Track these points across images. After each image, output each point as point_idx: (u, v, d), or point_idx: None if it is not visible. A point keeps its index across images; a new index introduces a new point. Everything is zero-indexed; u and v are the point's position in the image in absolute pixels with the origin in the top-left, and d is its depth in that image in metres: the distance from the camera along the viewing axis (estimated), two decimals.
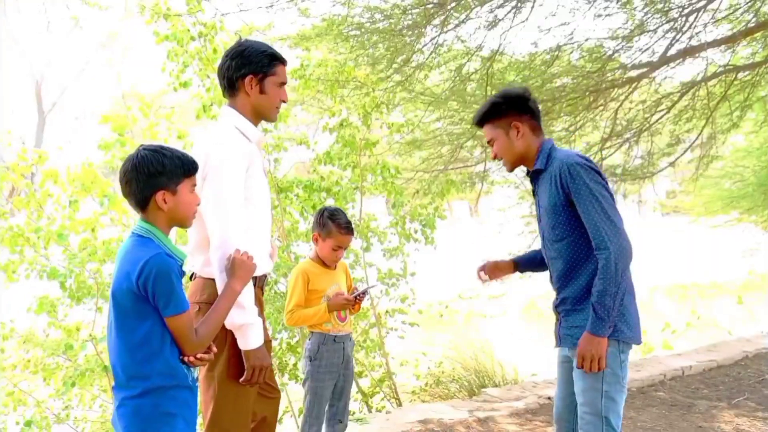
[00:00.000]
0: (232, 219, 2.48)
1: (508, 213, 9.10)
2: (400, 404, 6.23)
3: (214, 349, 2.32)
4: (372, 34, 6.50)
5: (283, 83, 2.74)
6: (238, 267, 2.36)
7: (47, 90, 39.97)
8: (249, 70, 2.64)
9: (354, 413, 5.32)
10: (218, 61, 5.36)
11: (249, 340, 2.53)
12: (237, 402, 2.60)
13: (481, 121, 2.97)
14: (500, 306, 11.48)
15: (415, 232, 6.38)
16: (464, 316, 13.08)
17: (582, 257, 2.77)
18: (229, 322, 2.47)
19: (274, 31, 7.11)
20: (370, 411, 5.95)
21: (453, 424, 4.88)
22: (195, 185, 2.27)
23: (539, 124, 2.92)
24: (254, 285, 2.60)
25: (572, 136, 7.56)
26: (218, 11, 5.55)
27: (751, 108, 8.24)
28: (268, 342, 2.71)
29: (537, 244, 7.93)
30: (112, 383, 2.24)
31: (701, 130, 7.58)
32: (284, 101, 2.77)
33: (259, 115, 2.73)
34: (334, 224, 3.50)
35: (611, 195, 2.74)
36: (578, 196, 2.69)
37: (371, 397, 6.28)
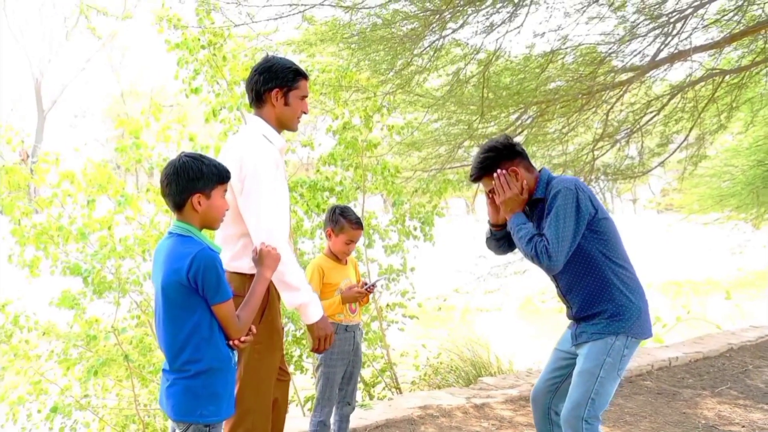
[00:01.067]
0: (274, 217, 2.78)
1: None
2: (400, 393, 6.52)
3: (254, 330, 2.59)
4: (373, 40, 6.76)
5: (305, 96, 3.03)
6: (265, 257, 2.64)
7: (47, 88, 40.17)
8: (275, 84, 2.94)
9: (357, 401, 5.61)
10: (226, 68, 5.67)
11: (310, 315, 2.87)
12: (260, 385, 2.88)
13: (478, 177, 3.27)
14: (496, 302, 11.75)
15: (415, 229, 6.66)
16: (461, 312, 13.38)
17: (585, 271, 3.09)
18: (290, 304, 2.82)
19: (279, 36, 7.40)
20: (371, 399, 6.23)
21: (451, 410, 5.18)
22: (226, 191, 2.53)
23: (530, 162, 3.23)
24: None
25: (565, 136, 7.85)
26: (227, 20, 5.82)
27: (738, 109, 8.53)
28: (279, 331, 3.01)
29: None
30: (152, 367, 2.52)
31: (689, 131, 7.87)
32: (305, 113, 3.06)
33: (282, 125, 3.02)
34: (345, 220, 3.79)
35: (592, 211, 3.05)
36: (549, 211, 3.03)
37: (373, 387, 6.58)
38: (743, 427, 5.26)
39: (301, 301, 2.84)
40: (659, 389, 6.05)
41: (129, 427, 5.75)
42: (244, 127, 3.10)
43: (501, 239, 3.40)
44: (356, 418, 4.80)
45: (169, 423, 2.52)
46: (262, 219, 2.77)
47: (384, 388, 6.66)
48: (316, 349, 2.95)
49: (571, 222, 2.98)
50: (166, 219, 5.65)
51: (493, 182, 3.18)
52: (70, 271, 5.14)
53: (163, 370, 2.48)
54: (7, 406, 5.21)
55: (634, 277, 3.15)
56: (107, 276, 5.25)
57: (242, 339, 2.50)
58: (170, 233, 2.48)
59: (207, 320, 2.40)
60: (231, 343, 2.48)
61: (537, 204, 3.16)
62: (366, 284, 3.86)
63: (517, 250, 3.34)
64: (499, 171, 3.14)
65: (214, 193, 2.46)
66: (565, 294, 3.20)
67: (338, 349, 3.75)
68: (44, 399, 5.42)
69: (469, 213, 38.49)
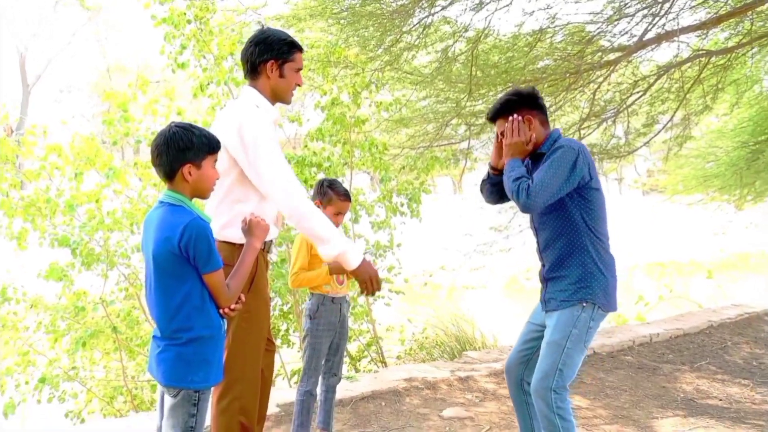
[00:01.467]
0: (286, 178, 2.82)
1: None
2: (386, 367, 6.61)
3: (243, 299, 2.64)
4: (362, 16, 6.77)
5: (300, 69, 3.05)
6: (254, 227, 2.69)
7: (32, 63, 39.72)
8: (271, 55, 2.96)
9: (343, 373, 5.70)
10: (213, 42, 5.66)
11: (350, 261, 2.91)
12: (247, 354, 2.93)
13: (495, 116, 3.33)
14: (482, 279, 11.86)
15: (402, 205, 6.71)
16: (447, 289, 13.50)
17: (563, 231, 3.17)
18: (327, 256, 2.88)
19: (268, 10, 7.39)
20: (357, 372, 6.32)
21: (436, 382, 5.27)
22: (216, 161, 2.56)
23: (547, 119, 3.30)
24: (263, 249, 2.94)
25: (552, 115, 7.90)
26: None
27: (724, 91, 8.61)
28: (267, 300, 3.06)
29: (517, 220, 8.27)
30: (151, 334, 2.55)
31: (675, 112, 7.94)
32: (299, 85, 3.09)
33: (276, 97, 3.04)
34: (333, 192, 3.83)
35: (587, 177, 3.11)
36: (548, 158, 3.11)
37: (359, 361, 6.66)
38: (720, 400, 5.38)
39: (338, 251, 2.87)
40: (640, 364, 6.16)
41: (116, 398, 5.80)
42: (238, 98, 3.11)
43: (495, 185, 3.45)
44: (342, 390, 4.87)
45: (158, 388, 2.57)
46: (276, 184, 2.81)
47: (370, 362, 6.74)
48: (368, 292, 2.99)
49: (561, 175, 3.04)
50: (154, 193, 5.67)
51: (506, 125, 3.24)
52: (59, 243, 5.16)
53: (154, 336, 2.52)
54: None
55: (609, 251, 3.23)
56: (95, 248, 5.27)
57: (232, 307, 2.54)
58: (161, 202, 2.50)
59: (198, 289, 2.44)
60: (221, 311, 2.53)
61: (539, 158, 3.22)
62: None
63: (507, 202, 3.47)
64: (515, 115, 3.20)
65: (204, 163, 2.48)
66: (542, 250, 3.28)
67: (324, 320, 3.80)
68: (32, 371, 5.46)
69: (455, 192, 38.61)
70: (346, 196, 3.85)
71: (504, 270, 15.02)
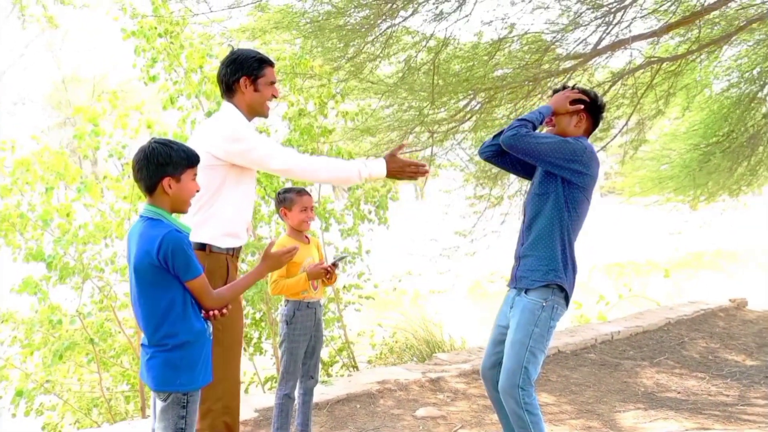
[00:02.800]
0: (296, 160, 3.07)
1: (453, 194, 9.69)
2: (358, 371, 6.73)
3: (229, 308, 2.73)
4: (325, 28, 6.91)
5: (273, 82, 3.21)
6: (270, 259, 2.81)
7: None
8: (242, 73, 3.12)
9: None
10: (182, 55, 5.76)
11: (375, 175, 3.14)
12: (226, 354, 3.00)
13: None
14: (447, 284, 12.05)
15: (369, 212, 6.85)
16: (412, 296, 13.66)
17: (549, 215, 3.35)
18: (358, 180, 3.17)
19: (233, 23, 7.47)
20: (330, 377, 6.43)
21: (408, 384, 5.42)
22: (196, 175, 2.67)
23: (592, 132, 3.53)
24: (232, 255, 3.07)
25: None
26: (183, 8, 5.89)
27: (675, 95, 8.94)
28: (240, 302, 3.19)
29: (481, 224, 8.42)
30: (141, 342, 2.65)
31: (629, 117, 8.23)
32: (275, 96, 3.25)
33: (253, 111, 3.20)
34: (291, 193, 4.01)
35: (582, 180, 3.32)
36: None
37: (331, 366, 6.78)
38: (679, 393, 5.64)
39: (364, 176, 3.11)
40: (602, 361, 6.40)
41: (92, 411, 5.83)
42: (218, 112, 3.25)
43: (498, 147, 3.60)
44: (318, 394, 5.00)
45: (152, 394, 2.67)
46: (291, 171, 3.08)
47: (342, 367, 6.86)
48: (419, 174, 3.19)
49: (554, 151, 3.26)
50: (126, 206, 5.72)
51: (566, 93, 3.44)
52: (33, 257, 5.19)
53: (142, 345, 2.63)
54: None
55: (573, 254, 3.44)
56: (69, 262, 5.31)
57: (217, 312, 2.66)
58: (141, 216, 2.62)
59: (180, 296, 2.55)
60: (206, 314, 2.65)
61: None
62: (333, 262, 4.05)
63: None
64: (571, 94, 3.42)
65: (183, 176, 2.60)
66: (526, 228, 3.47)
67: (301, 325, 3.94)
68: (5, 385, 5.47)
69: (417, 198, 38.86)
70: (303, 191, 4.04)
71: (468, 274, 15.25)
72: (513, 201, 9.17)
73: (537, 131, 3.41)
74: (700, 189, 11.04)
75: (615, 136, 8.67)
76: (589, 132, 3.49)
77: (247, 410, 4.63)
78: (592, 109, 3.45)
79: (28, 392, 5.31)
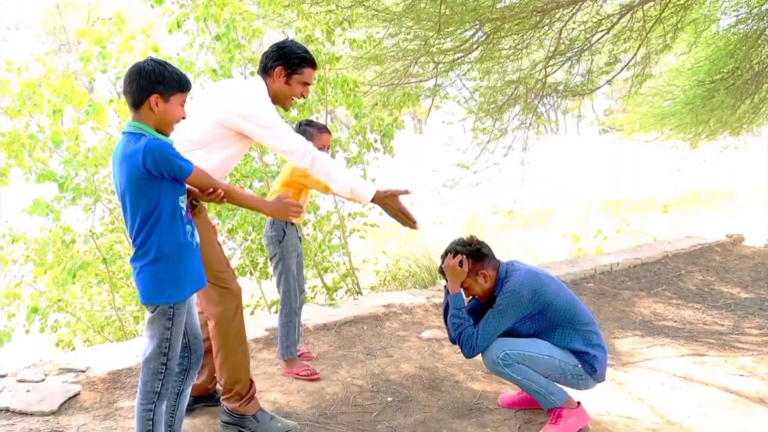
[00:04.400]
0: (290, 136, 3.13)
1: (456, 126, 9.70)
2: (362, 296, 6.88)
3: (221, 194, 2.79)
4: None
5: (307, 83, 3.35)
6: (281, 204, 2.93)
7: None
8: (282, 62, 3.28)
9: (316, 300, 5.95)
10: None
11: (364, 197, 3.20)
12: (207, 258, 3.05)
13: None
14: (448, 215, 12.16)
15: (375, 141, 6.88)
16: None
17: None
18: (341, 193, 3.24)
19: None
20: (333, 301, 6.58)
21: (413, 308, 5.56)
22: (185, 102, 2.71)
23: (493, 259, 3.49)
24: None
25: (519, 53, 8.08)
26: None
27: (683, 30, 8.86)
28: (213, 228, 3.29)
29: (484, 157, 8.41)
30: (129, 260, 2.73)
31: (636, 51, 8.17)
32: (304, 96, 3.39)
33: (277, 99, 3.34)
34: (312, 128, 4.06)
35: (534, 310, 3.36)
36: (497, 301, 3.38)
37: (335, 291, 6.92)
38: (675, 322, 5.79)
39: (350, 189, 3.18)
40: (601, 290, 6.54)
41: (104, 329, 5.97)
42: (247, 79, 3.36)
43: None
44: (326, 315, 5.14)
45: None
46: (296, 153, 3.12)
47: (346, 292, 7.00)
48: (407, 225, 3.33)
49: (505, 322, 3.33)
50: None
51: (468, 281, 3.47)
52: (44, 178, 5.23)
53: (131, 260, 2.70)
54: None
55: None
56: (81, 183, 5.36)
57: (211, 191, 2.75)
58: (123, 133, 2.66)
59: (168, 209, 2.60)
60: (210, 193, 2.75)
61: (493, 300, 3.45)
62: None
63: None
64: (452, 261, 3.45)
65: (172, 98, 2.62)
66: None
67: (291, 242, 4.07)
68: (18, 304, 5.58)
69: (415, 131, 38.68)
70: (325, 129, 4.08)
71: (466, 208, 15.35)
72: (516, 134, 9.19)
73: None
74: (702, 126, 11.04)
75: (621, 70, 8.63)
76: (497, 269, 3.46)
77: (257, 330, 4.77)
78: (476, 254, 3.46)
79: (42, 310, 5.44)
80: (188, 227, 2.68)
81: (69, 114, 5.80)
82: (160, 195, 2.56)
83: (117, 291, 6.03)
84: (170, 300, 2.62)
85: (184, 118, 2.70)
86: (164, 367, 2.65)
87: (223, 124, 3.10)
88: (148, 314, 2.67)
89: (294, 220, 4.04)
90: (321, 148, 4.02)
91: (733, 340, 5.30)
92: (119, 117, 5.93)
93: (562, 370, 3.35)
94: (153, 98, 2.57)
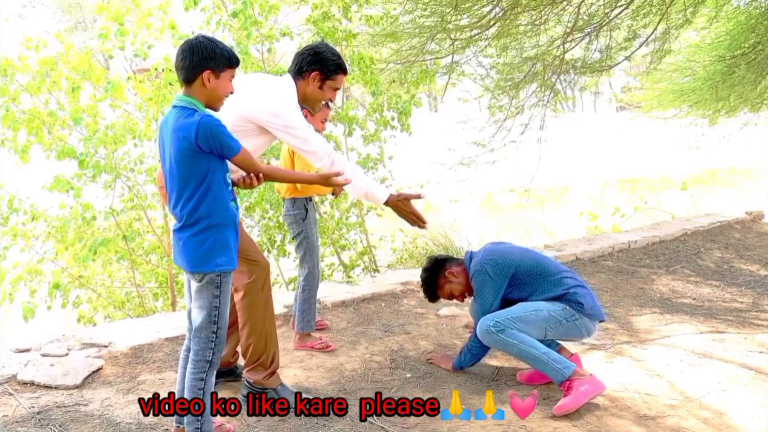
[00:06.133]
0: (315, 140, 3.22)
1: (472, 104, 9.64)
2: (380, 273, 6.90)
3: (259, 181, 2.85)
4: None
5: (337, 88, 3.44)
6: (322, 177, 3.02)
7: None
8: (318, 67, 3.35)
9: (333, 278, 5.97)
10: None
11: (379, 200, 3.34)
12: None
13: (433, 298, 4.08)
14: (463, 193, 12.12)
15: (392, 119, 6.85)
16: (424, 204, 13.75)
17: None
18: (356, 195, 3.40)
19: None
20: (351, 279, 6.61)
21: None
22: (234, 77, 2.75)
23: (451, 258, 4.02)
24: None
25: (537, 29, 8.00)
26: None
27: (704, 4, 8.74)
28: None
29: (500, 135, 8.36)
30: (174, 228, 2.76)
31: (656, 26, 8.07)
32: (332, 100, 3.60)
33: (306, 101, 3.44)
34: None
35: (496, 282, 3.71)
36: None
37: (352, 269, 6.94)
38: (694, 299, 5.77)
39: (364, 191, 3.34)
40: (619, 268, 6.52)
41: (125, 305, 6.04)
42: (279, 77, 3.45)
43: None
44: (344, 292, 5.17)
45: (185, 277, 2.79)
46: (310, 144, 3.20)
47: (363, 270, 7.02)
48: (416, 226, 3.47)
49: (488, 297, 3.69)
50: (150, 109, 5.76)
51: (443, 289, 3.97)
52: (65, 155, 5.27)
53: (174, 230, 2.73)
54: (8, 285, 5.42)
55: None
56: (101, 161, 5.40)
57: (253, 175, 2.79)
58: (174, 106, 2.69)
59: (217, 181, 2.65)
60: (248, 177, 2.80)
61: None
62: None
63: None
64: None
65: (223, 74, 2.68)
66: None
67: (311, 218, 4.19)
68: (40, 279, 5.64)
69: (431, 110, 38.55)
70: (327, 105, 4.25)
71: (480, 187, 15.29)
72: (532, 112, 9.12)
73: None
74: (722, 102, 10.90)
75: (640, 46, 8.54)
76: (461, 263, 3.92)
77: (275, 306, 4.79)
78: (431, 272, 3.98)
79: (64, 286, 5.50)
80: (233, 204, 2.74)
81: (86, 91, 5.81)
82: (209, 168, 2.62)
83: (137, 268, 6.08)
84: (218, 268, 2.67)
85: (232, 92, 2.78)
86: (215, 335, 2.72)
87: (249, 118, 3.17)
88: (194, 284, 2.72)
89: (328, 195, 4.14)
90: (323, 122, 4.12)
91: (752, 317, 5.28)
92: (137, 94, 5.94)
93: (554, 319, 3.61)
94: (206, 74, 2.64)
